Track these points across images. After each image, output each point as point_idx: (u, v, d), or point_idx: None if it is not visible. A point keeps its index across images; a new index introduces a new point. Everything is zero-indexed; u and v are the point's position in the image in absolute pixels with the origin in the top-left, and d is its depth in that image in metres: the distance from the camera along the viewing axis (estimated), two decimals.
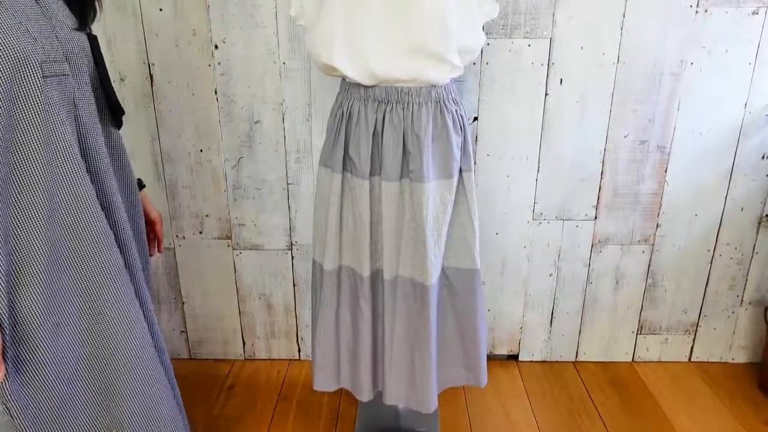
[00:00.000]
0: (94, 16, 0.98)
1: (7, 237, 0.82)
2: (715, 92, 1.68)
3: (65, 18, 0.91)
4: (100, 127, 0.97)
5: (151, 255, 1.19)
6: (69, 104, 0.90)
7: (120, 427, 1.00)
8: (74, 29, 0.93)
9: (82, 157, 0.91)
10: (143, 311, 1.04)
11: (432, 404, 1.39)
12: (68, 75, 0.89)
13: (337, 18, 1.17)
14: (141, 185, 1.16)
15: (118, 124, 1.03)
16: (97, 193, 0.94)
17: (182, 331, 1.97)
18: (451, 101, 1.27)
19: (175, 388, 1.14)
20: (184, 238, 1.85)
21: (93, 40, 1.00)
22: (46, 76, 0.84)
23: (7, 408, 0.85)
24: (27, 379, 0.87)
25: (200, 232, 1.85)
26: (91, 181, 0.93)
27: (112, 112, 1.01)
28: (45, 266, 0.86)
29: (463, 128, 1.30)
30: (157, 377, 1.05)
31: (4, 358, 0.82)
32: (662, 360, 1.99)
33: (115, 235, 0.97)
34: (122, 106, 1.05)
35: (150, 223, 1.18)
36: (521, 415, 1.73)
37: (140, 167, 1.77)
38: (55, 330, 0.89)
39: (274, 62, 1.66)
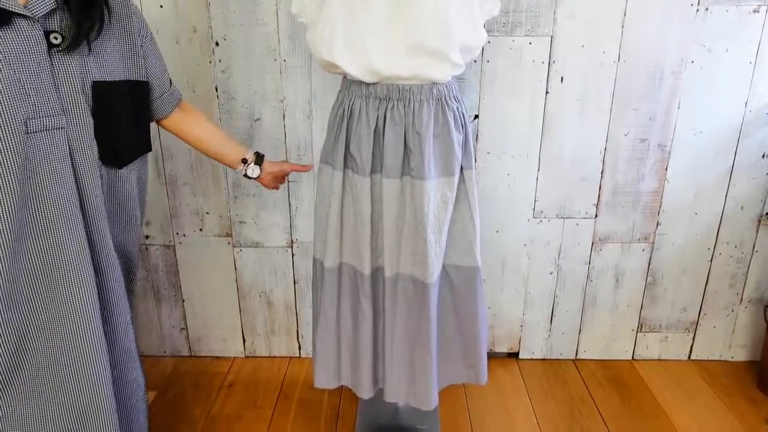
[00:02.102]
0: (96, 30, 0.96)
1: None
2: (715, 91, 1.68)
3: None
4: (97, 171, 0.99)
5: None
6: (62, 155, 0.92)
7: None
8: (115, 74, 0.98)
9: (78, 197, 0.95)
10: (117, 331, 1.07)
11: (432, 402, 1.39)
12: (64, 127, 0.91)
13: (338, 15, 1.17)
14: (261, 157, 1.34)
15: (117, 165, 1.06)
16: (87, 232, 0.97)
17: (182, 329, 1.97)
18: (452, 99, 1.27)
19: (120, 400, 1.13)
20: (184, 235, 1.85)
21: (132, 86, 1.04)
22: (32, 132, 0.87)
23: None
24: None
25: (200, 230, 1.85)
26: (83, 218, 0.96)
27: (112, 155, 1.03)
28: None
29: (464, 126, 1.30)
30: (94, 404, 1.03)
31: None
32: (662, 358, 1.99)
33: (95, 265, 1.00)
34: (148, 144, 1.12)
35: (285, 174, 1.44)
36: (521, 412, 1.74)
37: None
38: None
39: (275, 59, 1.66)
